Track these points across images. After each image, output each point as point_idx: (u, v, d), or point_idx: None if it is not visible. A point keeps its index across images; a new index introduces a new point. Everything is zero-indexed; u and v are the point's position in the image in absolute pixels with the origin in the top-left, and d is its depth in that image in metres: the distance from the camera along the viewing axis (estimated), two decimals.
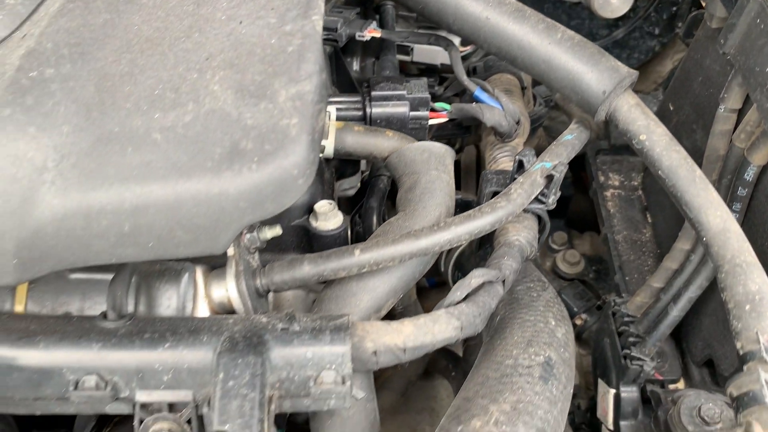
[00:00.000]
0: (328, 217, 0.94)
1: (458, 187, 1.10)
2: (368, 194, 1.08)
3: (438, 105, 1.07)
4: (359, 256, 0.79)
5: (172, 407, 0.69)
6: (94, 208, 0.64)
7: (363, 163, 1.19)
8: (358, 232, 1.05)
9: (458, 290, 0.82)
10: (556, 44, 0.93)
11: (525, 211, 0.91)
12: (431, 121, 1.07)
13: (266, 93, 0.68)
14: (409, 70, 1.45)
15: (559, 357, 0.81)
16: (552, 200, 0.91)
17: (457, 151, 1.51)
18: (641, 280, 1.21)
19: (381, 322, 0.77)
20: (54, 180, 0.63)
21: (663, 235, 1.26)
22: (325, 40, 1.12)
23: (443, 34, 1.18)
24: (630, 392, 1.03)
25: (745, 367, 0.72)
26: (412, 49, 1.38)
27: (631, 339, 1.03)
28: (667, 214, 1.25)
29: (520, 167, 0.91)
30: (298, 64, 0.71)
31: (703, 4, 1.13)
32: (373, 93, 1.04)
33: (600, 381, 1.10)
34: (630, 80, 0.92)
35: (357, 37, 1.13)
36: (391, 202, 1.09)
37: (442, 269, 1.12)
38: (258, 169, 0.65)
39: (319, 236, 0.94)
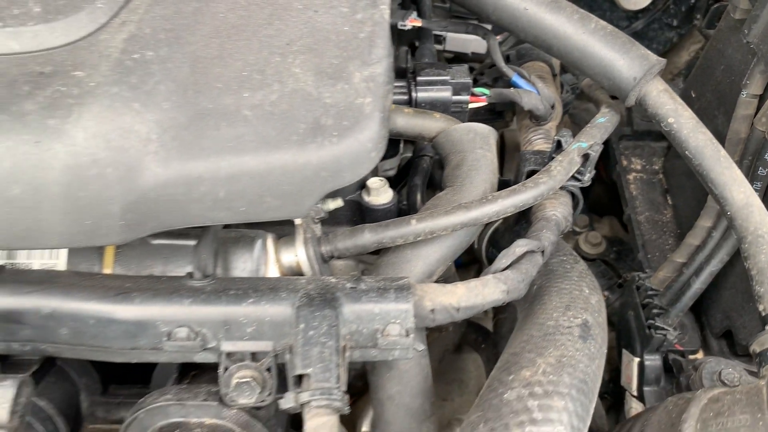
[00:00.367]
0: (380, 192, 1.00)
1: None
2: (412, 173, 1.12)
3: (477, 90, 1.11)
4: (416, 225, 0.85)
5: (254, 356, 0.77)
6: (192, 176, 0.71)
7: (401, 146, 1.25)
8: (401, 209, 1.08)
9: (503, 258, 0.87)
10: (590, 34, 0.97)
11: (561, 188, 0.96)
12: (471, 105, 1.11)
13: (342, 75, 0.76)
14: (440, 59, 1.50)
15: (594, 320, 0.86)
16: (588, 178, 0.97)
17: None
18: (662, 257, 1.24)
19: (437, 284, 0.84)
20: (157, 151, 0.70)
21: (683, 216, 1.29)
22: None
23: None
24: (653, 360, 1.08)
25: (767, 327, 0.79)
26: (444, 38, 1.43)
27: (655, 311, 1.08)
28: (687, 196, 1.28)
29: (558, 147, 0.96)
30: (369, 49, 0.78)
31: None
32: (419, 78, 1.08)
33: (624, 351, 1.14)
34: (659, 67, 0.97)
35: (399, 26, 1.17)
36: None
37: (476, 246, 1.18)
38: (338, 143, 0.73)
39: (371, 210, 1.00)
